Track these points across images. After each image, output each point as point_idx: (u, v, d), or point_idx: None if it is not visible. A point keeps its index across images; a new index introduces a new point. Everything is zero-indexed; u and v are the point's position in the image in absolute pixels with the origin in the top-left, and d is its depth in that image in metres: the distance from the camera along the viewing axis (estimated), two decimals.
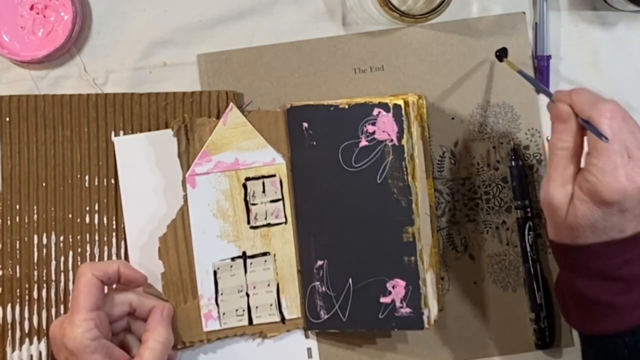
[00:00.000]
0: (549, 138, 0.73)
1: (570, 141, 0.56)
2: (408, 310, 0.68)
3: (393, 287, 0.68)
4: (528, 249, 0.70)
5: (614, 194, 0.53)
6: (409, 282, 0.68)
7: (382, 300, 0.68)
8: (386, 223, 0.68)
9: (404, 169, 0.68)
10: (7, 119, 0.72)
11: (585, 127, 0.56)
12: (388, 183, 0.68)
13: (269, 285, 0.70)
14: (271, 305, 0.70)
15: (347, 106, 0.69)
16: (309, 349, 0.71)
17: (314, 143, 0.70)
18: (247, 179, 0.70)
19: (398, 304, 0.68)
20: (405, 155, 0.68)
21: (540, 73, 0.73)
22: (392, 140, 0.68)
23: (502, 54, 0.71)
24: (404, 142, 0.68)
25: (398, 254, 0.68)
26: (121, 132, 0.72)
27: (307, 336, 0.71)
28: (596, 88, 0.74)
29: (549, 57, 0.73)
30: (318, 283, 0.69)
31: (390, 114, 0.67)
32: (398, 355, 0.71)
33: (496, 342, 0.71)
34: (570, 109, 0.57)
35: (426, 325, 0.67)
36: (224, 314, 0.70)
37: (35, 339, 0.71)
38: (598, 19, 0.74)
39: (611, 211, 0.54)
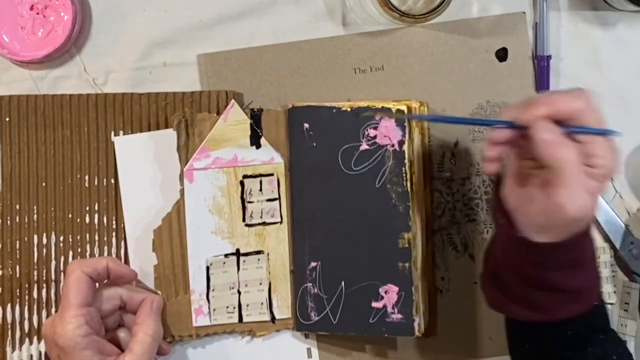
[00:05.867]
0: None
1: (577, 152, 0.54)
2: (399, 316, 0.67)
3: (385, 293, 0.68)
4: None
5: (616, 167, 0.54)
6: (401, 288, 0.67)
7: (374, 305, 0.68)
8: (382, 228, 0.68)
9: (404, 175, 0.68)
10: (7, 119, 0.72)
11: (586, 133, 0.54)
12: (387, 188, 0.68)
13: (260, 284, 0.70)
14: (262, 304, 0.70)
15: (349, 109, 0.69)
16: (309, 349, 0.71)
17: (314, 144, 0.70)
18: (245, 176, 0.70)
19: (390, 309, 0.67)
20: (406, 161, 0.68)
21: (540, 73, 0.73)
22: (393, 146, 0.68)
23: (502, 54, 0.71)
24: (405, 147, 0.68)
25: (393, 260, 0.68)
26: (121, 132, 0.72)
27: (306, 336, 0.71)
28: (596, 88, 0.73)
29: (549, 57, 0.73)
30: (310, 284, 0.69)
31: (393, 119, 0.67)
32: (399, 356, 0.71)
33: (496, 342, 0.71)
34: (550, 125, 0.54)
35: (416, 333, 0.67)
36: (214, 310, 0.70)
37: (35, 339, 0.71)
38: (598, 19, 0.74)
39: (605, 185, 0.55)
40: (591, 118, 0.54)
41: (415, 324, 0.67)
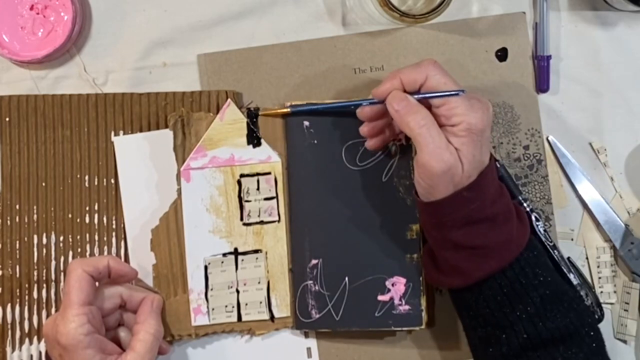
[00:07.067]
0: (549, 138, 0.73)
1: (426, 114, 0.59)
2: (407, 307, 0.68)
3: (393, 285, 0.68)
4: (543, 239, 0.69)
5: (483, 118, 0.59)
6: (409, 279, 0.68)
7: (380, 298, 0.68)
8: (389, 221, 0.69)
9: (412, 168, 0.69)
10: (7, 119, 0.72)
11: (435, 97, 0.60)
12: (393, 182, 0.69)
13: (259, 282, 0.70)
14: (261, 302, 0.70)
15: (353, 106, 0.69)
16: (309, 349, 0.71)
17: (315, 142, 0.70)
18: (242, 175, 0.70)
19: (397, 301, 0.68)
20: (413, 154, 0.68)
21: (540, 73, 0.73)
22: (399, 140, 0.69)
23: (502, 54, 0.71)
24: (412, 141, 0.68)
25: (400, 252, 0.68)
26: (121, 132, 0.72)
27: (306, 336, 0.71)
28: (596, 88, 0.74)
29: (549, 57, 0.73)
30: (311, 282, 0.69)
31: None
32: (399, 354, 0.71)
33: None
34: (403, 92, 0.61)
35: (423, 324, 0.68)
36: (213, 309, 0.70)
37: (35, 339, 0.71)
38: (598, 19, 0.75)
39: (484, 134, 0.60)
40: (436, 82, 0.60)
41: (423, 314, 0.68)
